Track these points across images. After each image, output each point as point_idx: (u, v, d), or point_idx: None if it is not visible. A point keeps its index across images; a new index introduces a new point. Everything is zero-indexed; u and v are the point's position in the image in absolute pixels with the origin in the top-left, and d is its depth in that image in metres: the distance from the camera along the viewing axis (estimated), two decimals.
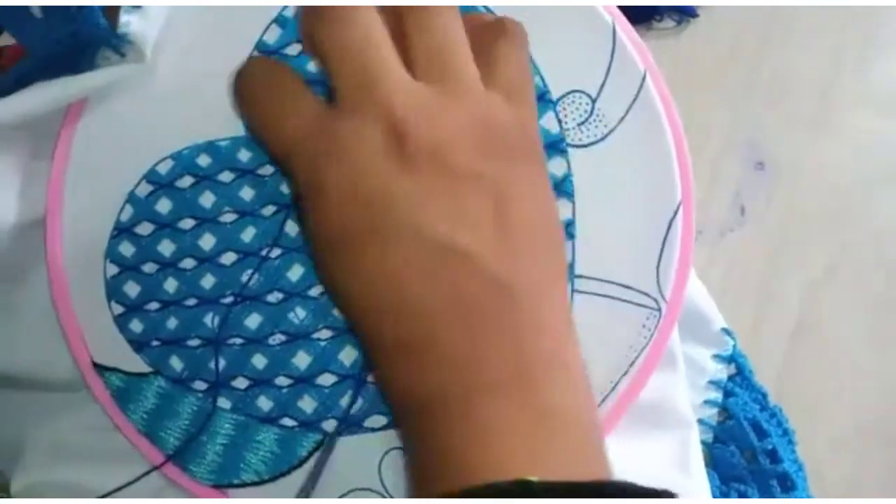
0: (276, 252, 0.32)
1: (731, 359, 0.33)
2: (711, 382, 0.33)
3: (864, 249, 0.35)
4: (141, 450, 0.31)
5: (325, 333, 0.31)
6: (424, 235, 0.26)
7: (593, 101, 0.32)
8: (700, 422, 0.32)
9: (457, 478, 0.24)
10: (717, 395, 0.33)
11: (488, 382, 0.25)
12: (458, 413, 0.25)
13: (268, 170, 0.32)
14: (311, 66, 0.33)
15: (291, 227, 0.32)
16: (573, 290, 0.31)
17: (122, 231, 0.33)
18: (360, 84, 0.27)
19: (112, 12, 0.31)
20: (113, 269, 0.32)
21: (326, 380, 0.31)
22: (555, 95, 0.32)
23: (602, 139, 0.32)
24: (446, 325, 0.26)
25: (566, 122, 0.32)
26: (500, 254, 0.26)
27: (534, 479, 0.23)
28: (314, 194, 0.27)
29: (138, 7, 0.31)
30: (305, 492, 0.30)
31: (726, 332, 0.34)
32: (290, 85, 0.30)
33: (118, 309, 0.32)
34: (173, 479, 0.31)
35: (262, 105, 0.30)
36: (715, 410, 0.33)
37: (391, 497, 0.31)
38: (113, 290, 0.32)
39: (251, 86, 0.31)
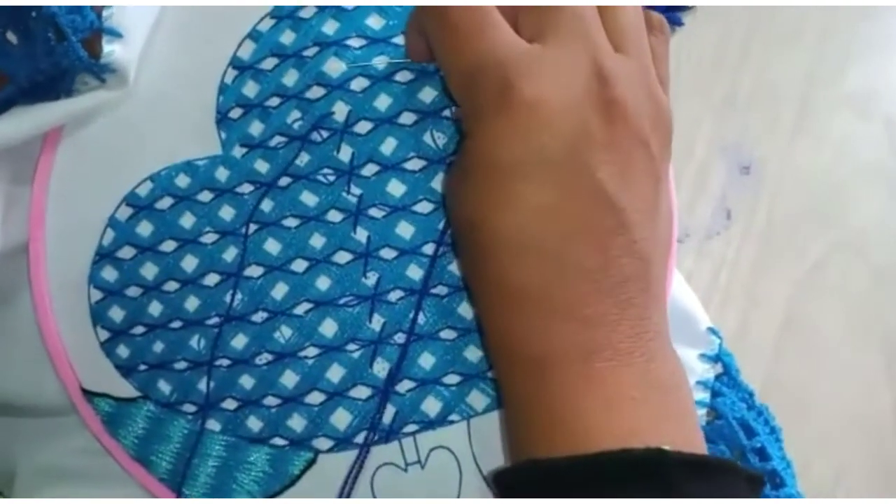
0: (258, 271, 0.32)
1: (718, 358, 0.33)
2: (699, 383, 0.33)
3: (847, 249, 0.36)
4: (133, 475, 0.32)
5: (311, 352, 0.31)
6: (595, 179, 0.26)
7: None
8: None
9: (580, 442, 0.24)
10: (704, 396, 0.33)
11: (613, 349, 0.25)
12: (579, 375, 0.25)
13: (246, 188, 0.32)
14: (286, 80, 0.32)
15: (272, 246, 0.32)
16: None
17: (104, 256, 0.32)
18: (575, 28, 0.27)
19: (92, 43, 0.31)
20: (97, 295, 0.32)
21: (315, 398, 0.31)
22: None
23: None
24: (586, 281, 0.26)
25: None
26: (648, 228, 0.26)
27: (668, 448, 0.23)
28: (501, 110, 0.26)
29: (120, 35, 0.31)
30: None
31: (712, 331, 0.34)
32: (493, 7, 0.28)
33: (104, 334, 0.32)
34: (167, 502, 0.31)
35: (463, 14, 0.28)
36: (703, 411, 0.33)
37: None
38: (98, 316, 0.32)
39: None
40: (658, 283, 0.27)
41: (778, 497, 0.32)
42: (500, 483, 0.27)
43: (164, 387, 0.32)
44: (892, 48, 0.37)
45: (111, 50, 0.31)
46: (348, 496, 0.31)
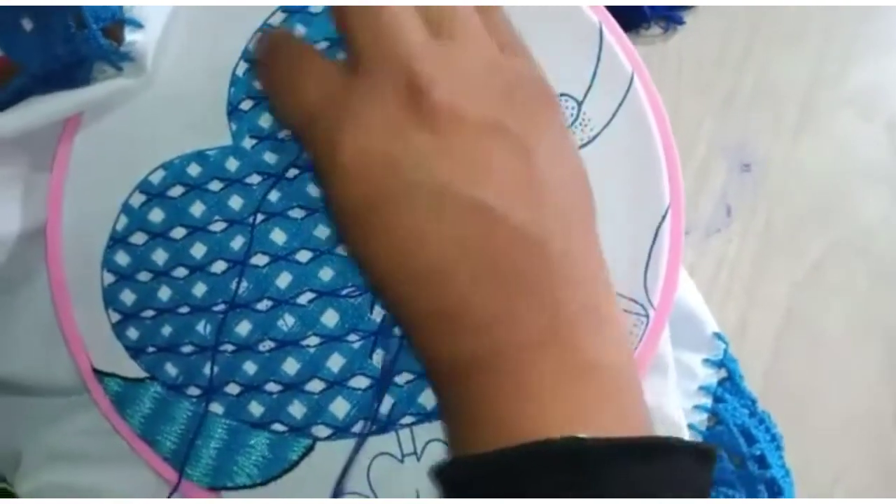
0: (263, 260, 0.32)
1: (722, 363, 0.33)
2: (702, 388, 0.33)
3: (848, 248, 0.35)
4: (139, 452, 0.33)
5: (313, 340, 0.32)
6: (448, 193, 0.25)
7: (579, 105, 0.31)
8: (690, 427, 0.32)
9: (497, 438, 0.24)
10: (706, 401, 0.33)
11: (525, 341, 0.25)
12: (495, 373, 0.25)
13: (255, 178, 0.33)
14: None
15: (278, 235, 0.32)
16: None
17: (117, 241, 0.33)
18: (378, 43, 0.26)
19: (113, 31, 0.31)
20: (109, 278, 0.33)
21: (315, 386, 0.32)
22: None
23: (588, 143, 0.31)
24: (477, 286, 0.25)
25: None
26: (529, 208, 0.25)
27: (583, 435, 0.23)
28: (332, 167, 0.27)
29: (141, 26, 0.32)
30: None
31: (718, 336, 0.33)
32: (307, 54, 0.29)
33: (115, 316, 0.33)
34: (170, 481, 0.32)
35: (279, 75, 0.29)
36: (705, 416, 0.33)
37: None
38: (110, 298, 0.33)
39: (269, 56, 0.30)
40: (564, 258, 0.26)
41: None
42: (441, 479, 0.27)
43: (171, 369, 0.33)
44: (895, 48, 0.36)
45: (133, 40, 0.31)
46: (344, 485, 0.31)
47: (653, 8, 0.28)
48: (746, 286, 0.35)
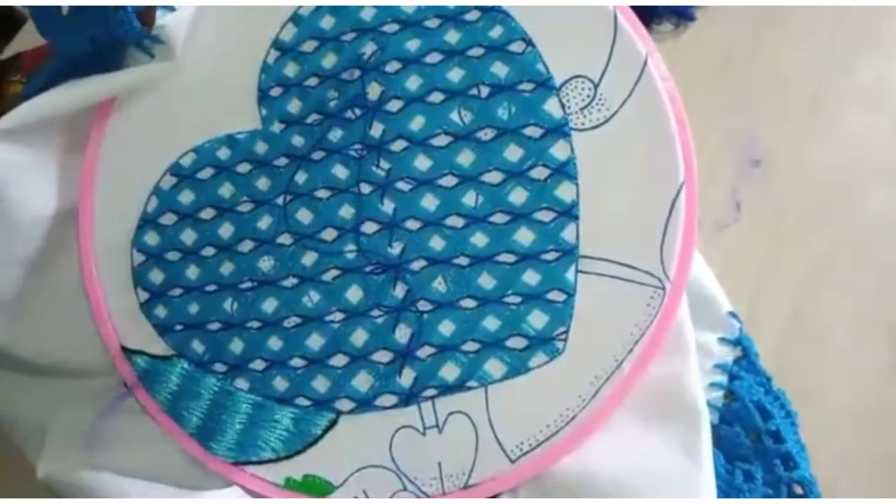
0: (290, 239, 0.33)
1: (738, 342, 0.34)
2: (717, 366, 0.34)
3: (855, 244, 0.36)
4: (165, 429, 0.33)
5: (337, 316, 0.33)
6: None
7: (595, 86, 0.33)
8: (707, 404, 0.32)
9: None
10: (722, 378, 0.33)
11: None
12: None
13: (282, 161, 0.34)
14: (325, 62, 0.34)
15: (304, 215, 0.33)
16: (577, 271, 0.32)
17: (147, 222, 0.34)
18: None
19: (148, 14, 0.33)
20: (139, 258, 0.34)
21: (339, 361, 0.32)
22: (558, 81, 0.33)
23: (604, 122, 0.32)
24: None
25: (569, 107, 0.33)
26: None
27: None
28: None
29: (173, 9, 0.33)
30: None
31: (732, 315, 0.34)
32: None
33: (144, 295, 0.34)
34: (196, 456, 0.33)
35: None
36: (721, 392, 0.33)
37: (402, 474, 0.32)
38: (139, 278, 0.34)
39: None
40: None
41: (791, 478, 0.32)
42: None
43: (198, 346, 0.33)
44: None
45: (163, 24, 0.33)
46: (367, 457, 0.32)
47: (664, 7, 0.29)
48: (753, 280, 0.35)
